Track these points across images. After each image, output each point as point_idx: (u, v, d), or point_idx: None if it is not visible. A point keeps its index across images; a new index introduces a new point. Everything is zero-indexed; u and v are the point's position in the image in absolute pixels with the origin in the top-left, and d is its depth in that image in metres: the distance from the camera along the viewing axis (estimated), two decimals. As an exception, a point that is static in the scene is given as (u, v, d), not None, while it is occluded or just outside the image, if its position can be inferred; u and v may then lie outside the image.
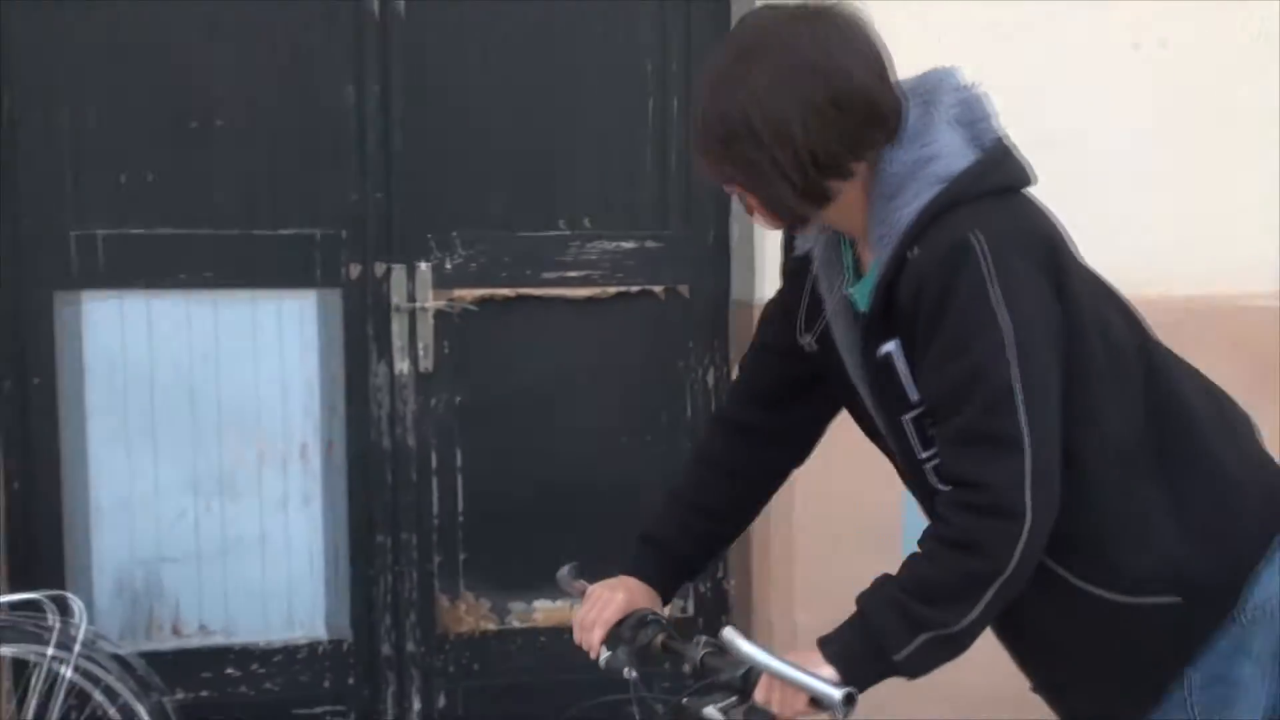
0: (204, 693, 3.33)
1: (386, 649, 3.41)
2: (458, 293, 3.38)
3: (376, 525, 3.41)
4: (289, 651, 3.37)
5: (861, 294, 1.67)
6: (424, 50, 3.41)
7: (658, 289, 3.50)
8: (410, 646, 3.43)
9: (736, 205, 3.40)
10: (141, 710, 2.81)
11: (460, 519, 3.47)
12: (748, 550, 3.38)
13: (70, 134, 3.21)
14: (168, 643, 3.32)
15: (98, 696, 2.81)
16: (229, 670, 3.33)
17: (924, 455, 1.65)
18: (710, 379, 3.59)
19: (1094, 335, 1.57)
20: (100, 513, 3.27)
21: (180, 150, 3.26)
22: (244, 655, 3.35)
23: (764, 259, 3.32)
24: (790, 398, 1.88)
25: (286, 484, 3.40)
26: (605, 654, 1.75)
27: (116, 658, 2.84)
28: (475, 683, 3.51)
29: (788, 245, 1.84)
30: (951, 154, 1.61)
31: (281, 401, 3.39)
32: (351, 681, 3.41)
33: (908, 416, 1.64)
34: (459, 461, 3.45)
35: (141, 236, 3.26)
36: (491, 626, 3.50)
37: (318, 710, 3.38)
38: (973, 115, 1.64)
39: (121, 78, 3.25)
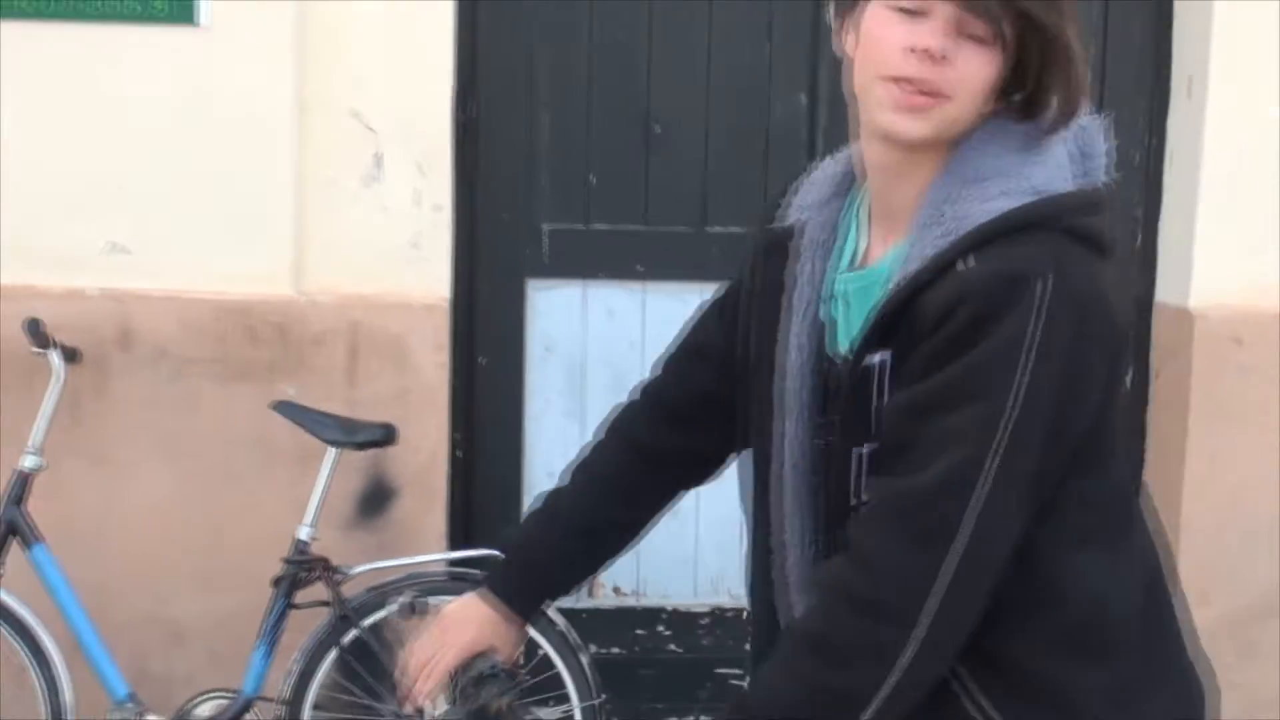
0: (636, 649, 3.73)
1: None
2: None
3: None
4: (715, 615, 3.74)
5: (858, 285, 1.43)
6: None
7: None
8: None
9: (1168, 209, 3.75)
10: (561, 662, 3.12)
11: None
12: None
13: (535, 134, 3.54)
14: (606, 601, 3.70)
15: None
16: (660, 628, 3.72)
17: (855, 502, 1.33)
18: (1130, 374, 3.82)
19: (1121, 465, 1.38)
20: (545, 481, 3.54)
21: (637, 151, 3.58)
22: (674, 616, 3.74)
23: (1194, 262, 3.64)
24: (705, 417, 1.66)
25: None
26: (435, 712, 1.62)
27: (543, 614, 3.10)
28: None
29: (768, 215, 1.59)
30: (1057, 168, 1.39)
31: None
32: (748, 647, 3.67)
33: (866, 449, 1.33)
34: (862, 447, 3.70)
35: (600, 231, 3.60)
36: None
37: (737, 671, 3.69)
38: (1089, 146, 1.42)
39: (582, 82, 3.56)
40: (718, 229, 3.63)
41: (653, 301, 3.63)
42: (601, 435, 1.73)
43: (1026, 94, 1.36)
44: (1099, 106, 1.61)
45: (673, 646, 3.80)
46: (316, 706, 3.07)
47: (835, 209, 1.51)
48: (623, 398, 3.41)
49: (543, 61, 3.58)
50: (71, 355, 3.03)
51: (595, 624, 3.58)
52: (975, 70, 1.32)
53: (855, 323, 1.40)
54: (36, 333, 2.94)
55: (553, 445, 3.61)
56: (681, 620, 3.80)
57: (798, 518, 1.44)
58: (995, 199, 1.32)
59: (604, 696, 3.19)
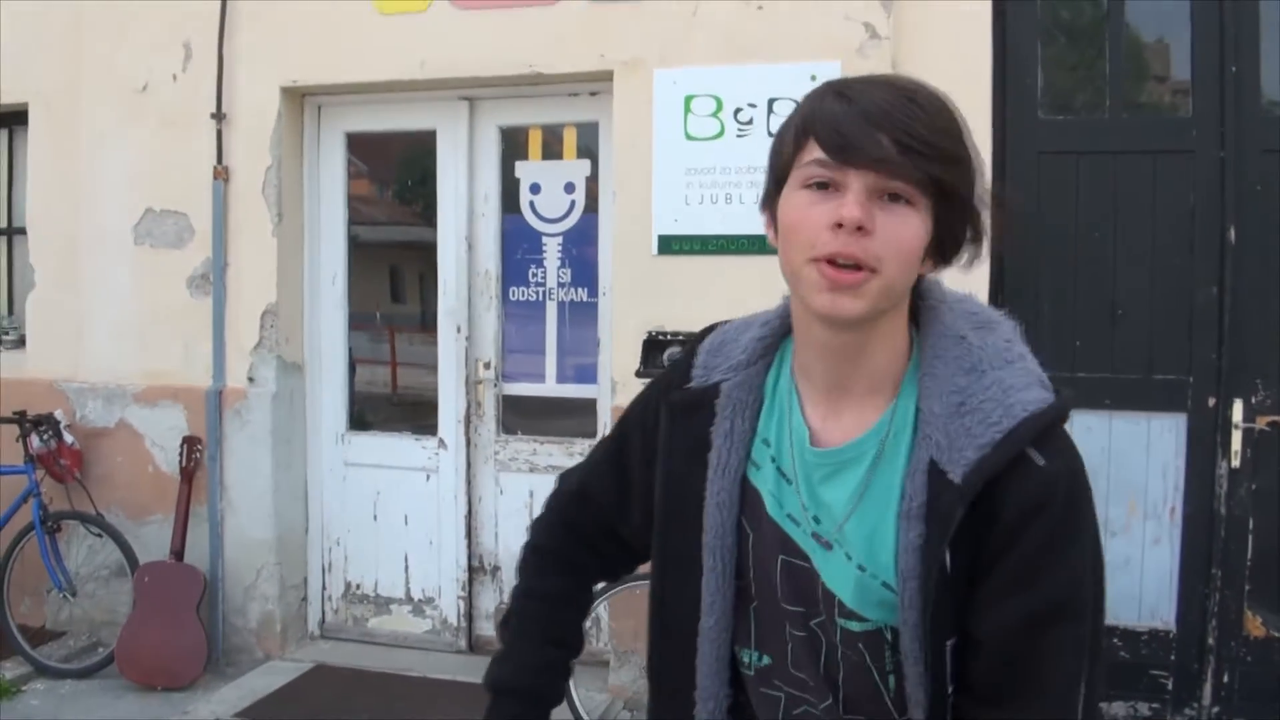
0: None
1: (1200, 639, 4.80)
2: (1259, 418, 4.67)
3: (1210, 560, 4.75)
4: (1151, 633, 4.83)
5: (829, 463, 1.40)
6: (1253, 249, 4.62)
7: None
8: (1211, 640, 4.80)
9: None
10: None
11: (1249, 562, 4.74)
12: None
13: (1040, 314, 4.77)
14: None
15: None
16: (1115, 640, 4.79)
17: (951, 690, 1.34)
18: None
19: None
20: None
21: (1105, 325, 4.77)
22: (1124, 633, 4.84)
23: None
24: (608, 544, 1.72)
25: (1156, 530, 4.80)
26: None
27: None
28: (1250, 668, 4.79)
29: (685, 371, 1.56)
30: (1035, 364, 1.39)
31: (1159, 478, 4.77)
32: (1173, 658, 4.81)
33: (953, 642, 1.32)
34: (1251, 525, 4.73)
35: (1081, 377, 4.78)
36: (1262, 634, 4.76)
37: (1164, 673, 4.82)
38: (1023, 343, 1.42)
39: (1069, 280, 4.78)
40: (1158, 377, 4.73)
41: (1116, 424, 4.77)
42: (535, 557, 1.77)
43: (944, 252, 1.35)
44: None
45: (1123, 654, 4.79)
46: None
47: (757, 371, 1.48)
48: (1095, 486, 4.70)
49: (1044, 272, 4.83)
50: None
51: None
52: (900, 234, 1.26)
53: (828, 498, 1.40)
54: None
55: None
56: (1128, 635, 4.79)
57: (712, 672, 1.48)
58: (1029, 388, 1.31)
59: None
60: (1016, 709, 1.28)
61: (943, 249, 1.35)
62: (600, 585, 1.87)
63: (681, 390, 1.53)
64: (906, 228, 1.28)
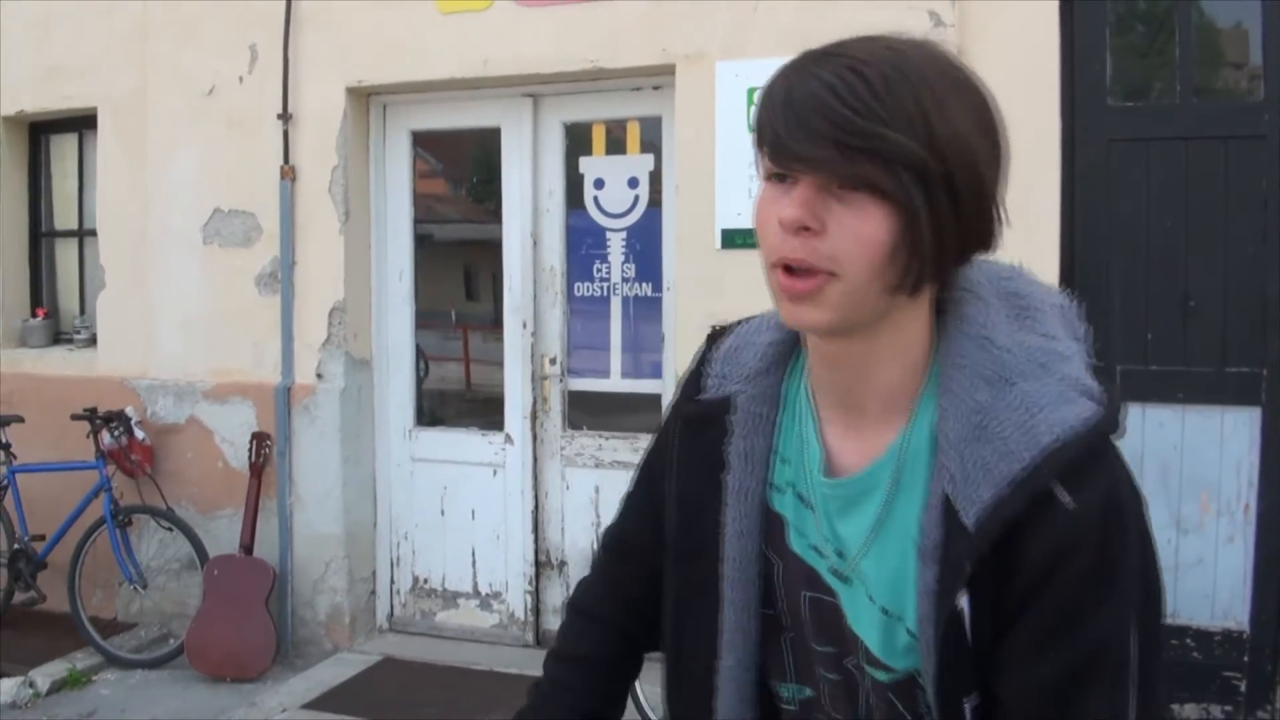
0: (1170, 654, 4.63)
1: (1274, 640, 4.70)
2: (1334, 411, 4.54)
3: (1287, 560, 4.67)
4: (1224, 634, 4.73)
5: (840, 494, 1.24)
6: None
7: None
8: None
9: None
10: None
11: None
12: None
13: (1109, 308, 4.69)
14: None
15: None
16: (1188, 640, 4.73)
17: None
18: None
19: None
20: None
21: (1178, 318, 4.69)
22: (1197, 633, 4.74)
23: None
24: (652, 602, 1.46)
25: (1229, 527, 4.70)
26: None
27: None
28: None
29: (697, 380, 1.38)
30: (1083, 363, 1.18)
31: (1233, 474, 4.67)
32: (1246, 659, 4.71)
33: (973, 702, 1.15)
34: (1331, 522, 4.59)
35: (1155, 371, 4.71)
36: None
37: (1238, 674, 4.71)
38: (1076, 332, 1.23)
39: (1140, 276, 4.71)
40: (1232, 369, 4.63)
41: (1189, 418, 4.68)
42: (575, 618, 1.60)
43: (946, 245, 1.11)
44: None
45: (1195, 655, 4.72)
46: None
47: (773, 381, 1.31)
48: (1167, 483, 4.68)
49: (1115, 263, 4.75)
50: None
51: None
52: (859, 230, 1.07)
53: (845, 532, 1.25)
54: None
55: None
56: (1201, 636, 4.71)
57: (736, 717, 1.33)
58: (1062, 404, 1.11)
59: (1149, 686, 4.23)
60: None
61: (941, 242, 1.11)
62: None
63: (694, 401, 1.37)
64: (866, 221, 1.08)
